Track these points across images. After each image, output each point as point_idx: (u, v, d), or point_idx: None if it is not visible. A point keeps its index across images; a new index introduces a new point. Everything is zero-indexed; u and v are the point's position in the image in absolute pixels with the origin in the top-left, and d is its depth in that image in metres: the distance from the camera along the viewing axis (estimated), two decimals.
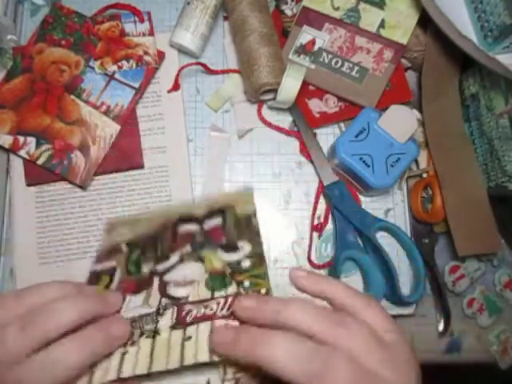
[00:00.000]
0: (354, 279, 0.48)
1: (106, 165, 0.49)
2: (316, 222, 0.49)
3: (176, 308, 0.33)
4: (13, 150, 0.48)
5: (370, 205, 0.50)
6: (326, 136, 0.52)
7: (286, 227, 0.49)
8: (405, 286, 0.48)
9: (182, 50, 0.53)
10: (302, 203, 0.50)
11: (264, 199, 0.50)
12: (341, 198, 0.48)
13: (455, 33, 0.44)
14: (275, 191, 0.50)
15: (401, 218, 0.50)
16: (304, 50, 0.51)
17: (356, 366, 0.25)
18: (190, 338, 0.31)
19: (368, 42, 0.51)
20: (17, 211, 0.48)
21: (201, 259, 0.36)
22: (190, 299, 0.33)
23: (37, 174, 0.48)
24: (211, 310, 0.32)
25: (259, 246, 0.36)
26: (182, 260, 0.36)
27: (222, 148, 0.52)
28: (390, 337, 0.28)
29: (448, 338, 0.49)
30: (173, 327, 0.32)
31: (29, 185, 0.49)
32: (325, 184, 0.49)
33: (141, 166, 0.49)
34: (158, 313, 0.33)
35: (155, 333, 0.32)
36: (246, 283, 0.33)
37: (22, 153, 0.48)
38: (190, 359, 0.29)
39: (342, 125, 0.52)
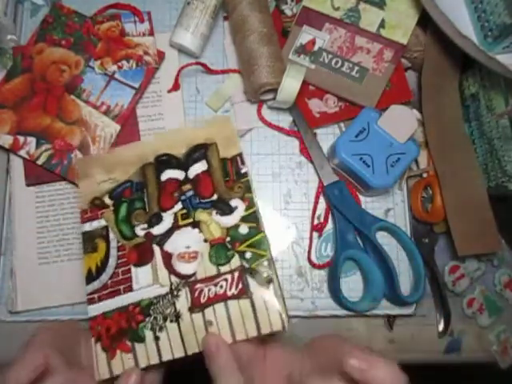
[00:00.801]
0: (354, 279, 0.48)
1: None
2: (316, 222, 0.49)
3: (188, 288, 0.35)
4: (13, 149, 0.48)
5: (370, 205, 0.50)
6: (326, 136, 0.52)
7: (286, 227, 0.49)
8: (405, 286, 0.48)
9: (182, 50, 0.53)
10: (301, 203, 0.50)
11: (264, 199, 0.50)
12: (341, 198, 0.48)
13: (455, 33, 0.44)
14: (275, 191, 0.50)
15: (401, 217, 0.50)
16: (304, 50, 0.51)
17: None
18: (211, 323, 0.33)
19: (368, 42, 0.51)
20: (17, 211, 0.48)
21: (197, 225, 0.37)
22: (199, 277, 0.35)
23: (37, 174, 0.48)
24: (221, 287, 0.34)
25: (252, 202, 0.37)
26: (176, 222, 0.37)
27: None
28: None
29: (448, 338, 0.49)
30: (191, 310, 0.34)
31: (29, 185, 0.49)
32: (325, 184, 0.49)
33: None
34: (173, 295, 0.35)
35: (177, 316, 0.34)
36: (248, 254, 0.35)
37: (22, 153, 0.48)
38: None
39: (342, 125, 0.52)
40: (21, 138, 0.48)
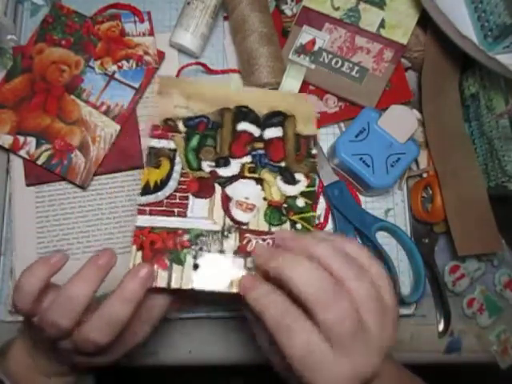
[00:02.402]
0: None
1: (105, 165, 0.49)
2: (316, 222, 0.49)
3: (238, 234, 0.36)
4: (13, 149, 0.48)
5: (370, 205, 0.50)
6: (326, 136, 0.52)
7: None
8: (405, 286, 0.48)
9: (182, 50, 0.53)
10: None
11: None
12: (341, 198, 0.48)
13: (455, 33, 0.44)
14: None
15: (401, 217, 0.50)
16: (304, 50, 0.51)
17: (356, 315, 0.28)
18: (250, 269, 0.35)
19: (368, 42, 0.51)
20: (17, 211, 0.48)
21: (260, 182, 0.38)
22: (250, 227, 0.37)
23: (37, 174, 0.48)
24: (268, 244, 0.36)
25: (314, 182, 0.40)
26: (242, 172, 0.38)
27: None
28: (388, 300, 0.30)
29: (448, 338, 0.49)
30: (235, 253, 0.35)
31: (29, 185, 0.49)
32: (325, 184, 0.49)
33: (141, 166, 0.49)
34: (223, 234, 0.36)
35: (221, 252, 0.35)
36: (298, 225, 0.37)
37: (22, 153, 0.48)
38: None
39: (342, 125, 0.52)
40: (21, 138, 0.48)
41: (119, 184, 0.49)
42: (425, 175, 0.51)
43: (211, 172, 0.38)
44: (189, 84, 0.41)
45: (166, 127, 0.39)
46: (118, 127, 0.49)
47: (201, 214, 0.37)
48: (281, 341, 0.28)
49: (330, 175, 0.49)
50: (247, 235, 0.36)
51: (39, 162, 0.48)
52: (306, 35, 0.51)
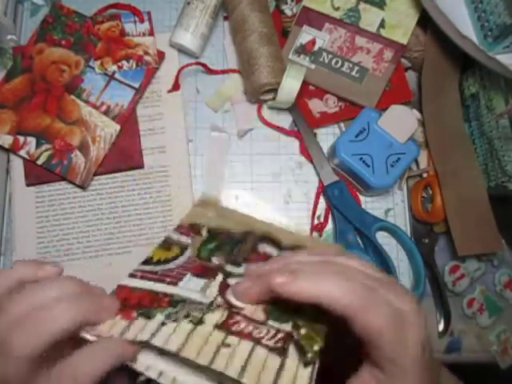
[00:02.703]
0: None
1: (106, 165, 0.49)
2: (316, 222, 0.49)
3: (227, 313, 0.32)
4: (13, 149, 0.48)
5: (370, 205, 0.50)
6: (326, 136, 0.52)
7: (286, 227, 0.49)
8: (405, 286, 0.48)
9: (182, 50, 0.53)
10: (301, 203, 0.50)
11: (264, 199, 0.50)
12: (341, 198, 0.48)
13: (455, 33, 0.44)
14: (275, 191, 0.50)
15: (401, 217, 0.50)
16: (304, 50, 0.51)
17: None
18: (228, 346, 0.29)
19: (368, 42, 0.51)
20: (17, 211, 0.48)
21: None
22: (244, 312, 0.32)
23: (37, 174, 0.48)
24: (259, 333, 0.31)
25: None
26: None
27: (221, 148, 0.52)
28: (381, 275, 0.29)
29: (448, 338, 0.49)
30: (216, 327, 0.30)
31: (29, 185, 0.49)
32: (325, 184, 0.49)
33: (141, 166, 0.49)
34: (209, 308, 0.32)
35: (198, 322, 0.31)
36: (303, 331, 0.31)
37: (22, 153, 0.48)
38: (218, 366, 0.28)
39: (342, 125, 0.52)
40: (21, 138, 0.48)
41: (119, 184, 0.49)
42: (425, 175, 0.51)
43: (218, 265, 0.37)
44: (225, 210, 0.43)
45: (191, 228, 0.40)
46: (118, 127, 0.49)
47: (194, 287, 0.34)
48: (363, 319, 0.26)
49: (330, 175, 0.49)
50: (238, 318, 0.31)
51: (39, 162, 0.48)
52: (306, 35, 0.51)
